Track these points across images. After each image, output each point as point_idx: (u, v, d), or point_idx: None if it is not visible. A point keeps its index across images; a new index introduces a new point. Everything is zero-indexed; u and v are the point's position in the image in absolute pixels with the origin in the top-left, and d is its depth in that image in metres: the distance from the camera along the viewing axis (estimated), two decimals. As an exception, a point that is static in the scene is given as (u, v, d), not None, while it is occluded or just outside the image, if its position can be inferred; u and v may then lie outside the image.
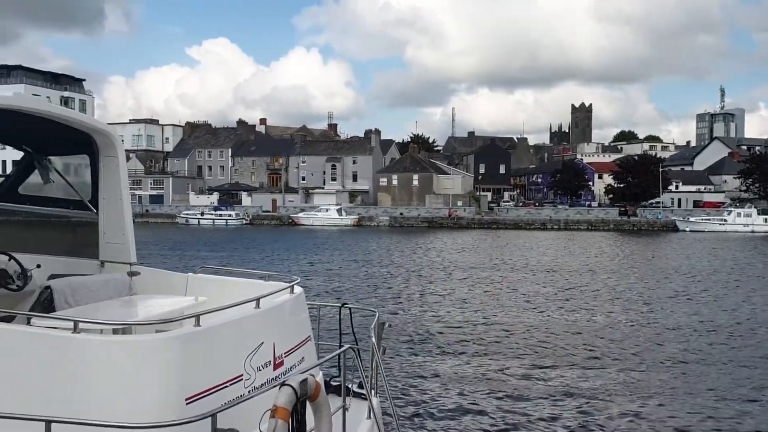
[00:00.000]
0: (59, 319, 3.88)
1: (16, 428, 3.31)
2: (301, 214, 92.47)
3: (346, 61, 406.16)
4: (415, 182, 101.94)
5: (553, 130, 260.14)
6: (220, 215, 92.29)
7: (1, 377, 3.62)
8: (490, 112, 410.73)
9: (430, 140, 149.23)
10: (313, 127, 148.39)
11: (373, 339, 5.28)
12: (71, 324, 3.69)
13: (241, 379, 4.17)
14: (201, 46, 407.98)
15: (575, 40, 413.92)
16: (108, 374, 3.59)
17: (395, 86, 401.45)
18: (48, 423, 3.09)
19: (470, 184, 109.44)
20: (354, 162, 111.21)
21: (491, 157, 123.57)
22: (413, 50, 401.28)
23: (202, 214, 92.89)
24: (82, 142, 6.05)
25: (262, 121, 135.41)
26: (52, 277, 6.07)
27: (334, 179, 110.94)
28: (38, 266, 6.24)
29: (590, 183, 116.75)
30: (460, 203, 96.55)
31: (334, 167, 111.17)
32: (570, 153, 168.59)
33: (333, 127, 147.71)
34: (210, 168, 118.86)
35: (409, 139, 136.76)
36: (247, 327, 4.42)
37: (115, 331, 4.20)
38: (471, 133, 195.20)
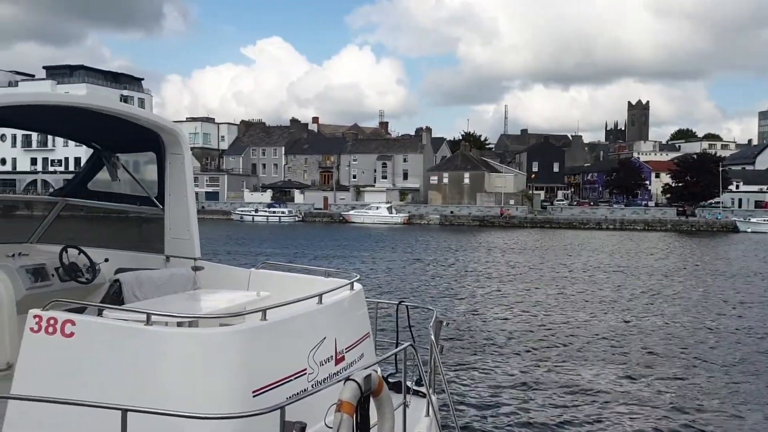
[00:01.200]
0: (133, 311, 4.00)
1: (93, 416, 3.44)
2: (351, 212, 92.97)
3: (397, 59, 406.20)
4: (467, 180, 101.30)
5: (608, 128, 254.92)
6: (274, 212, 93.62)
7: (78, 367, 3.76)
8: (544, 110, 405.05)
9: (482, 138, 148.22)
10: (364, 125, 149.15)
11: (432, 337, 5.28)
12: (142, 316, 3.82)
13: (305, 373, 4.23)
14: (255, 46, 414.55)
15: (632, 35, 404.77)
16: (179, 366, 3.69)
17: (447, 84, 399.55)
18: (124, 412, 3.19)
19: (523, 182, 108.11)
20: (405, 160, 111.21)
21: (545, 155, 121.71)
22: (465, 47, 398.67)
23: (256, 210, 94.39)
24: (150, 139, 6.21)
25: (315, 119, 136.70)
26: (119, 270, 6.26)
27: (384, 177, 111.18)
28: (106, 260, 6.46)
29: (647, 182, 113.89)
30: (512, 202, 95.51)
31: (384, 165, 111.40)
32: (626, 151, 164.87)
33: (384, 125, 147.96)
34: (264, 166, 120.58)
35: (461, 137, 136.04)
36: (310, 322, 4.49)
37: (180, 324, 4.31)
38: (524, 131, 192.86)
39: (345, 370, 4.70)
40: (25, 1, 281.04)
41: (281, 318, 4.19)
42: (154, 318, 3.78)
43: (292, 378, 4.09)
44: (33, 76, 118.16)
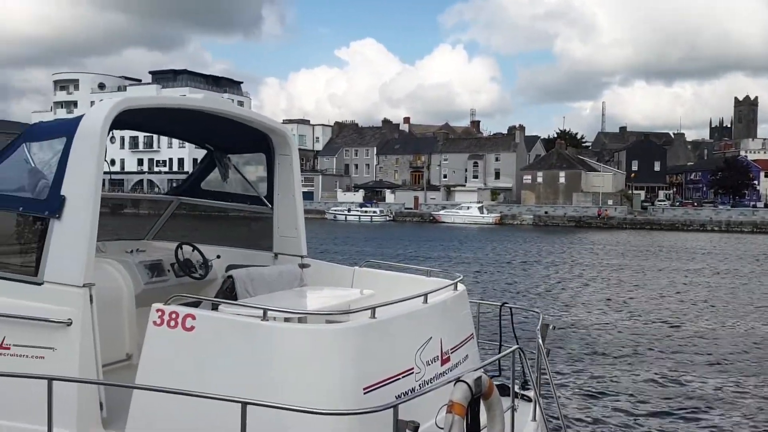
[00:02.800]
0: (249, 306, 4.14)
1: (212, 407, 3.58)
2: (442, 212, 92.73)
3: (491, 57, 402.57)
4: (562, 179, 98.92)
5: (713, 125, 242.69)
6: (366, 211, 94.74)
7: (197, 359, 3.92)
8: (645, 106, 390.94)
9: (578, 136, 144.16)
10: (455, 124, 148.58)
11: (539, 340, 5.18)
12: (258, 311, 3.94)
13: (413, 372, 4.25)
14: (349, 48, 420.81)
15: (743, 27, 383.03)
16: (293, 361, 3.78)
17: (542, 81, 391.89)
18: (244, 405, 3.29)
19: (621, 182, 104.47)
20: (497, 159, 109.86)
21: (645, 153, 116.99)
22: (562, 43, 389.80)
23: (349, 210, 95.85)
24: (260, 141, 6.41)
25: (406, 119, 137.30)
26: (230, 267, 6.49)
27: (475, 177, 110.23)
28: (218, 257, 6.71)
29: (755, 182, 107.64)
30: (610, 202, 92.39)
31: (476, 164, 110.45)
32: (732, 149, 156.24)
33: (475, 124, 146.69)
34: (356, 166, 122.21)
35: (556, 135, 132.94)
36: (417, 321, 4.50)
37: (286, 320, 4.42)
38: (623, 129, 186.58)
39: (450, 370, 4.69)
40: (135, 8, 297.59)
41: (389, 316, 4.22)
42: (269, 314, 3.89)
43: (400, 377, 4.11)
44: (140, 80, 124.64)
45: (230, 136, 6.57)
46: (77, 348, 4.22)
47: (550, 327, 6.01)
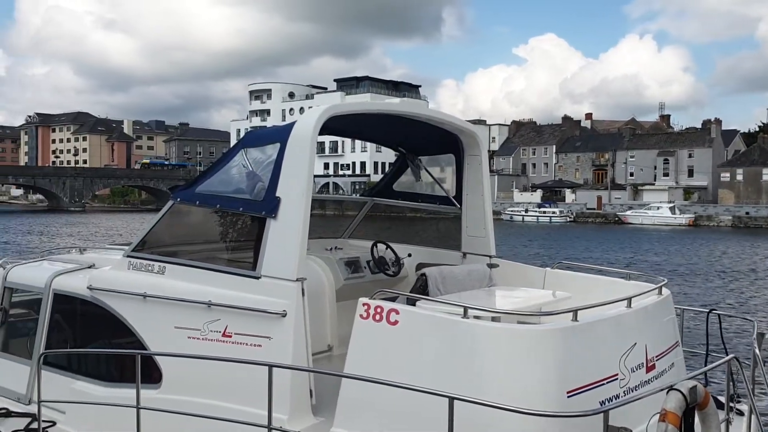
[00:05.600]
0: (449, 304, 4.23)
1: (416, 400, 3.70)
2: (628, 212, 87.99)
3: (683, 46, 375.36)
4: (766, 177, 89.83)
5: None
6: (544, 212, 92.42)
7: (401, 353, 4.08)
8: None
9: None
10: (642, 119, 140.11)
11: (756, 350, 4.78)
12: (458, 309, 4.01)
13: (617, 378, 4.11)
14: (527, 44, 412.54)
15: None
16: (495, 359, 3.81)
17: (742, 69, 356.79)
18: (451, 400, 3.37)
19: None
20: (690, 156, 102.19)
21: None
22: (766, 27, 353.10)
23: (526, 211, 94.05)
24: (450, 142, 6.52)
25: (588, 115, 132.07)
26: (420, 265, 6.66)
27: (666, 175, 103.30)
28: (409, 255, 6.92)
29: None
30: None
31: (666, 161, 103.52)
32: None
33: (665, 118, 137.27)
34: (534, 165, 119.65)
35: (758, 129, 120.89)
36: (621, 326, 4.35)
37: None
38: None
39: (656, 378, 4.48)
40: (323, 18, 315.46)
41: (592, 320, 4.12)
42: (468, 311, 3.95)
43: (604, 382, 4.00)
44: (326, 88, 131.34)
45: (421, 138, 6.76)
46: (291, 338, 4.54)
47: (766, 336, 5.52)
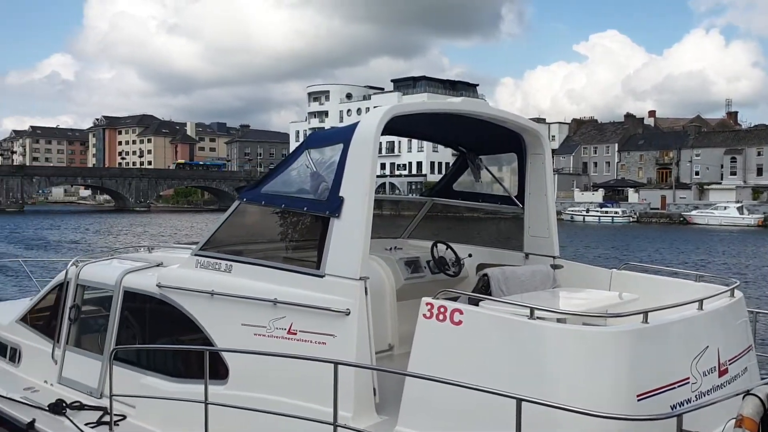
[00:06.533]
0: (513, 304, 4.19)
1: (481, 400, 3.68)
2: (694, 212, 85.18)
3: (752, 41, 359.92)
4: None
5: None
6: (606, 212, 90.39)
7: (465, 353, 4.06)
8: None
9: None
10: (709, 116, 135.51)
11: None
12: (523, 310, 3.97)
13: (688, 382, 4.00)
14: (588, 41, 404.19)
15: None
16: (563, 361, 3.75)
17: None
18: (519, 401, 3.34)
19: None
20: (759, 153, 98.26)
21: None
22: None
23: (587, 210, 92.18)
24: (512, 141, 6.44)
25: (651, 113, 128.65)
26: (481, 266, 6.62)
27: (733, 173, 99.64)
28: (470, 255, 6.88)
29: None
30: None
31: (733, 160, 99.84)
32: None
33: (732, 115, 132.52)
34: (595, 164, 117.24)
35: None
36: (692, 329, 4.23)
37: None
38: None
39: (729, 383, 4.34)
40: (381, 18, 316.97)
41: (662, 322, 4.02)
42: (538, 313, 3.91)
43: (675, 386, 3.90)
44: (382, 89, 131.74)
45: (483, 137, 6.71)
46: (355, 336, 4.58)
47: None
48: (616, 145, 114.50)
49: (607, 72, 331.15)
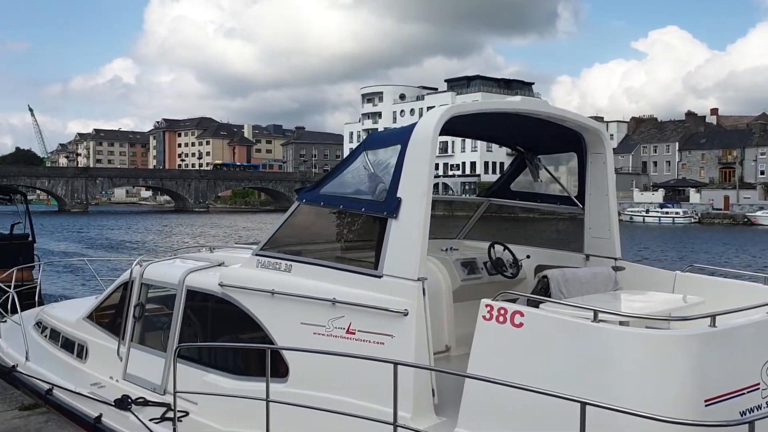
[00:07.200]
0: (575, 306, 4.11)
1: (543, 404, 3.63)
2: (759, 213, 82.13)
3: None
4: None
5: None
6: (666, 213, 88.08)
7: (526, 356, 4.02)
8: None
9: None
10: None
11: None
12: (586, 312, 3.90)
13: (758, 388, 3.87)
14: (647, 38, 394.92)
15: None
16: (628, 365, 3.68)
17: None
18: (583, 405, 3.28)
19: None
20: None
21: None
22: None
23: (647, 211, 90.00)
24: (572, 140, 6.33)
25: (713, 110, 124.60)
26: (539, 267, 6.52)
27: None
28: (528, 257, 6.79)
29: None
30: None
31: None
32: None
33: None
34: (655, 163, 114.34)
35: None
36: (762, 333, 4.08)
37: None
38: None
39: None
40: (435, 18, 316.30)
41: (731, 326, 3.89)
42: (598, 315, 3.84)
43: (744, 391, 3.78)
44: (436, 89, 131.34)
45: (542, 137, 6.61)
46: (413, 337, 4.58)
47: None
48: (677, 143, 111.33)
49: (668, 69, 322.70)
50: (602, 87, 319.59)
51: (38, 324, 8.98)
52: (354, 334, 4.90)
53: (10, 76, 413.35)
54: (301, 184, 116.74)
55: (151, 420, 5.96)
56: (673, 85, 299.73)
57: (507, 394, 3.76)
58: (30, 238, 16.40)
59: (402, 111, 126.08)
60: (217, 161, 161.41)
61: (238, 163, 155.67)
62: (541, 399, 3.57)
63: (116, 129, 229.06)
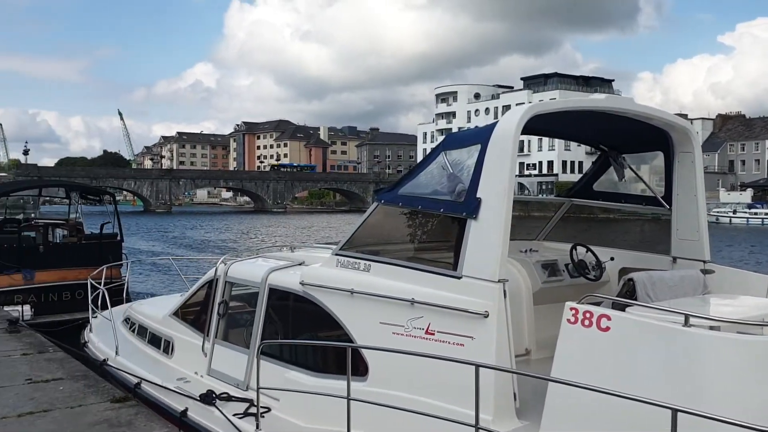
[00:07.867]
0: (664, 310, 3.98)
1: (631, 409, 3.51)
2: None
3: None
4: None
5: None
6: (755, 213, 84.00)
7: (612, 360, 3.90)
8: None
9: None
10: None
11: None
12: (676, 317, 3.76)
13: None
14: (734, 31, 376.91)
15: None
16: (719, 371, 3.53)
17: None
18: (675, 412, 3.17)
19: None
20: None
21: None
22: None
23: (734, 212, 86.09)
24: (658, 138, 6.13)
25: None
26: (624, 270, 6.32)
27: None
28: (611, 259, 6.60)
29: None
30: None
31: None
32: None
33: None
34: (743, 162, 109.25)
35: None
36: None
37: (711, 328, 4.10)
38: None
39: None
40: (510, 15, 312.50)
41: None
42: (691, 320, 3.69)
43: None
44: (512, 87, 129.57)
45: (627, 135, 6.42)
46: (494, 339, 4.52)
47: None
48: (767, 141, 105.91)
49: (757, 63, 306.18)
50: (686, 83, 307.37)
51: (126, 320, 9.37)
52: (433, 334, 4.88)
53: (100, 82, 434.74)
54: (375, 184, 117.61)
55: (234, 415, 6.11)
56: (762, 80, 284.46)
57: (592, 399, 3.66)
58: (118, 237, 17.16)
59: (477, 110, 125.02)
60: (274, 162, 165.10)
61: (294, 164, 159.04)
62: (627, 405, 3.46)
63: (198, 132, 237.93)
